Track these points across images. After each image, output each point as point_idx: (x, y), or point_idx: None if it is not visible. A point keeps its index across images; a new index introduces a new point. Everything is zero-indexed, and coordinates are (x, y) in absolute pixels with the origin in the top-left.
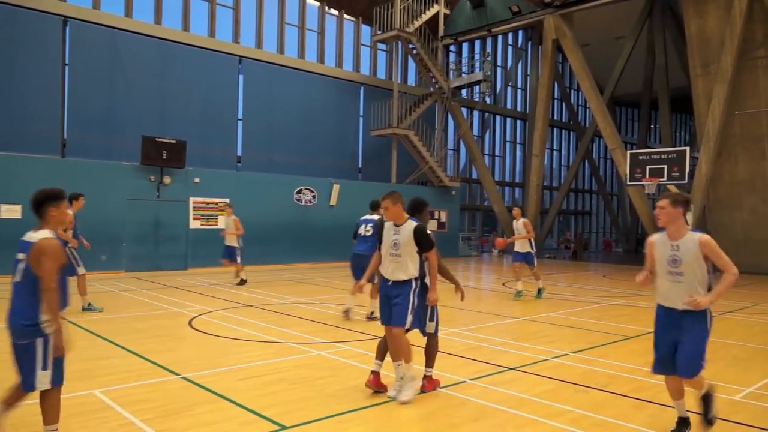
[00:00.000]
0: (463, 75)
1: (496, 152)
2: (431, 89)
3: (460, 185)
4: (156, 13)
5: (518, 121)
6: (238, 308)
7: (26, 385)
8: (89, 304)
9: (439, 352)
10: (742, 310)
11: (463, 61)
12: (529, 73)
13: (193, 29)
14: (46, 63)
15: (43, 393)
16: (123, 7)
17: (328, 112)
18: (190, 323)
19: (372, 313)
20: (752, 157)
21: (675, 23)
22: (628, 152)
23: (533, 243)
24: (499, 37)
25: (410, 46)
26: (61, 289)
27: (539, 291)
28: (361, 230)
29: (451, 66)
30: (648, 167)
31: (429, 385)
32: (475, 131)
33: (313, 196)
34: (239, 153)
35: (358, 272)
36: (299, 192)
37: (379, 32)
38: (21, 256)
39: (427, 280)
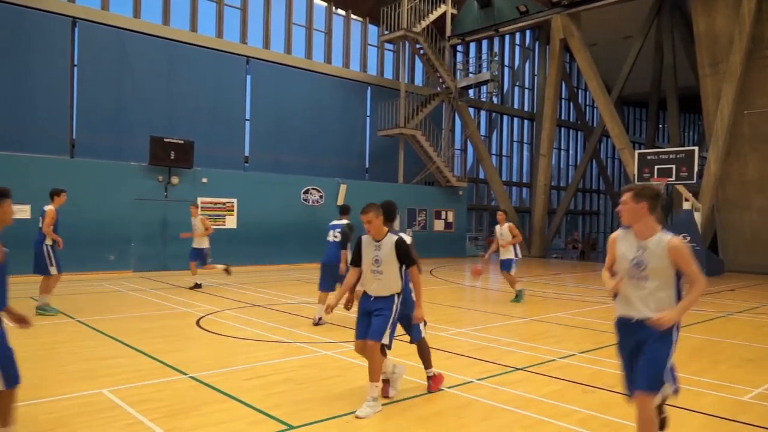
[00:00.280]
0: (471, 75)
1: (504, 152)
2: (438, 89)
3: (467, 185)
4: (164, 14)
5: (525, 121)
6: (245, 308)
7: None
8: (46, 305)
9: (447, 352)
10: (750, 310)
11: (471, 60)
12: (536, 72)
13: (200, 30)
14: (55, 64)
15: None
16: (131, 8)
17: (336, 112)
18: (197, 323)
19: (320, 318)
20: (761, 156)
21: (683, 22)
22: (636, 152)
23: (518, 249)
24: (507, 37)
25: (417, 46)
26: None
27: (518, 294)
28: (329, 236)
29: (459, 66)
30: (656, 167)
31: (435, 384)
32: (483, 131)
33: (321, 196)
34: (247, 153)
35: (324, 281)
36: (306, 192)
37: (386, 32)
38: None
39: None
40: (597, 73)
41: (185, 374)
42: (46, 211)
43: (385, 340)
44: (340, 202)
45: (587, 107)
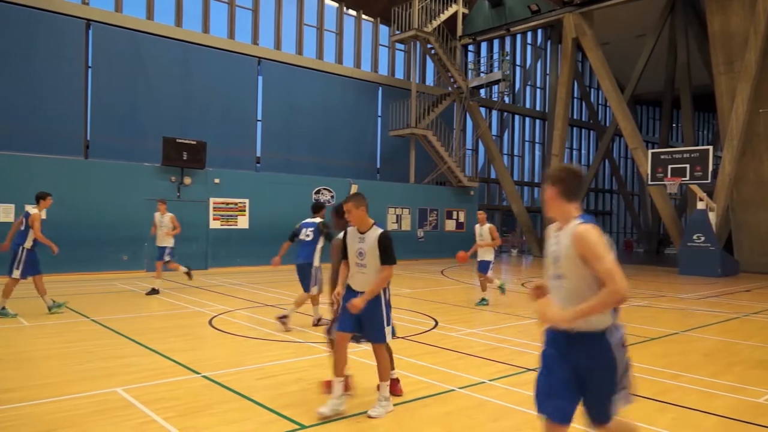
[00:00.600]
0: (482, 74)
1: (515, 152)
2: (449, 89)
3: (478, 185)
4: (177, 16)
5: (537, 121)
6: (257, 308)
7: None
8: (2, 308)
9: (458, 352)
10: (766, 311)
11: (482, 60)
12: (548, 72)
13: (213, 31)
14: (69, 66)
15: None
16: (144, 10)
17: (347, 113)
18: (210, 322)
19: (319, 319)
20: None
21: (697, 20)
22: (650, 151)
23: (495, 252)
24: (518, 36)
25: (428, 46)
26: None
27: (483, 299)
28: (302, 235)
29: (470, 65)
30: (670, 167)
31: (396, 387)
32: (494, 131)
33: (332, 197)
34: (258, 153)
35: (303, 283)
36: (318, 192)
37: (397, 32)
38: None
39: (388, 290)
40: (609, 72)
41: (198, 373)
42: (31, 215)
43: (389, 338)
44: None
45: (600, 106)
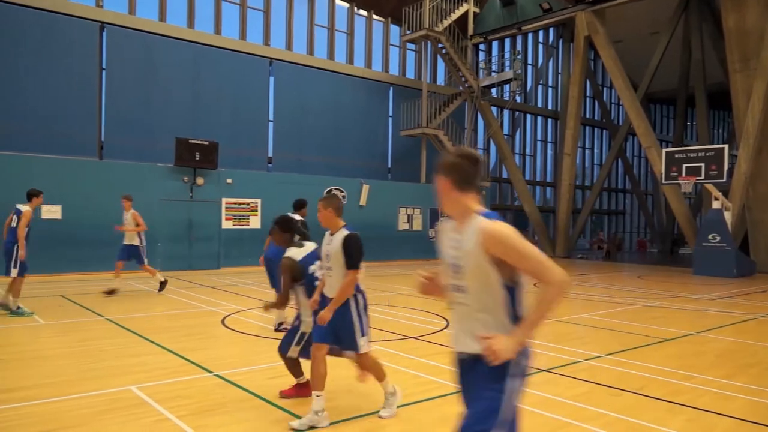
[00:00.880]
0: (493, 74)
1: (527, 151)
2: (461, 88)
3: (490, 185)
4: (189, 17)
5: (549, 120)
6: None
7: None
8: (18, 307)
9: None
10: None
11: (493, 59)
12: (560, 70)
13: (224, 32)
14: (83, 68)
15: None
16: (157, 12)
17: (358, 113)
18: (223, 322)
19: (281, 324)
20: None
21: (712, 17)
22: (664, 150)
23: None
24: (530, 35)
25: (439, 45)
26: None
27: None
28: None
29: (481, 65)
30: (684, 165)
31: (295, 390)
32: (506, 130)
33: (343, 197)
34: (270, 154)
35: (270, 279)
36: (329, 192)
37: (408, 32)
38: None
39: (362, 297)
40: (622, 70)
41: (211, 372)
42: (22, 211)
43: (365, 348)
44: (363, 202)
45: (612, 105)
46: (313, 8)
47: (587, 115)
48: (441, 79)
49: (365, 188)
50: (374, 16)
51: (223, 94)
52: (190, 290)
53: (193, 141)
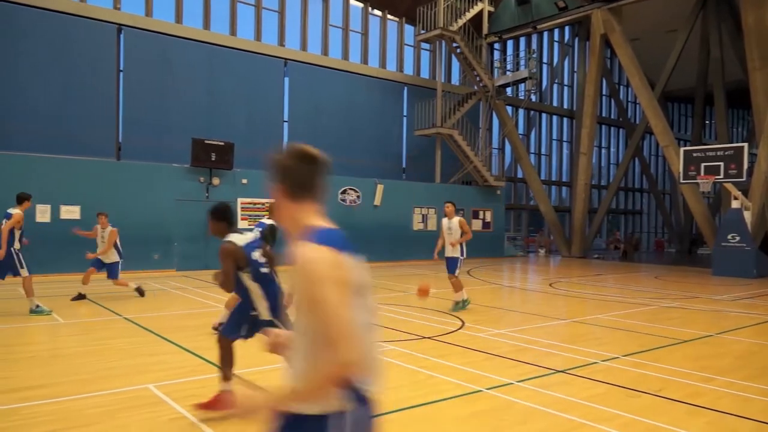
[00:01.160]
0: (508, 73)
1: (543, 151)
2: (475, 88)
3: (505, 184)
4: (204, 19)
5: (565, 119)
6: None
7: None
8: (37, 306)
9: (486, 353)
10: None
11: (508, 58)
12: (575, 69)
13: (240, 33)
14: (101, 69)
15: None
16: (173, 14)
17: (372, 113)
18: None
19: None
20: None
21: (730, 15)
22: (682, 149)
23: (464, 247)
24: (545, 34)
25: (454, 45)
26: None
27: (462, 303)
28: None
29: (496, 64)
30: (703, 164)
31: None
32: (521, 129)
33: (358, 197)
34: None
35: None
36: (344, 192)
37: (422, 32)
38: None
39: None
40: (639, 68)
41: None
42: (12, 214)
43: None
44: (377, 202)
45: (629, 104)
46: (327, 8)
47: (603, 114)
48: (455, 79)
49: (380, 188)
50: (389, 16)
51: (239, 95)
52: (206, 290)
53: (208, 141)
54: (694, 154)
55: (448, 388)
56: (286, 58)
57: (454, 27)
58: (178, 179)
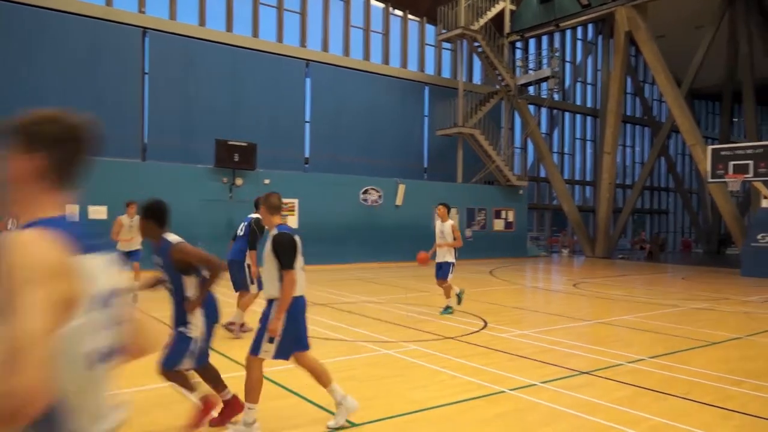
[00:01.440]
0: (530, 72)
1: (566, 150)
2: (497, 87)
3: (527, 184)
4: (227, 21)
5: (588, 118)
6: (308, 306)
7: None
8: None
9: (509, 354)
10: None
11: (530, 57)
12: (599, 67)
13: (262, 35)
14: (127, 72)
15: None
16: (197, 17)
17: (394, 113)
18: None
19: (243, 325)
20: None
21: (759, 9)
22: (709, 147)
23: (456, 251)
24: (568, 32)
25: (475, 44)
26: None
27: (446, 308)
28: (239, 230)
29: (518, 63)
30: (731, 163)
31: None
32: (544, 129)
33: (379, 196)
34: (307, 154)
35: (233, 282)
36: (365, 192)
37: (443, 31)
38: None
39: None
40: (665, 65)
41: None
42: None
43: (263, 354)
44: (399, 202)
45: (654, 101)
46: (348, 9)
47: (628, 113)
48: (477, 78)
49: (401, 188)
50: (409, 16)
51: (261, 96)
52: (230, 289)
53: (232, 142)
54: (722, 153)
55: (471, 388)
56: (307, 59)
57: (476, 26)
58: (202, 180)
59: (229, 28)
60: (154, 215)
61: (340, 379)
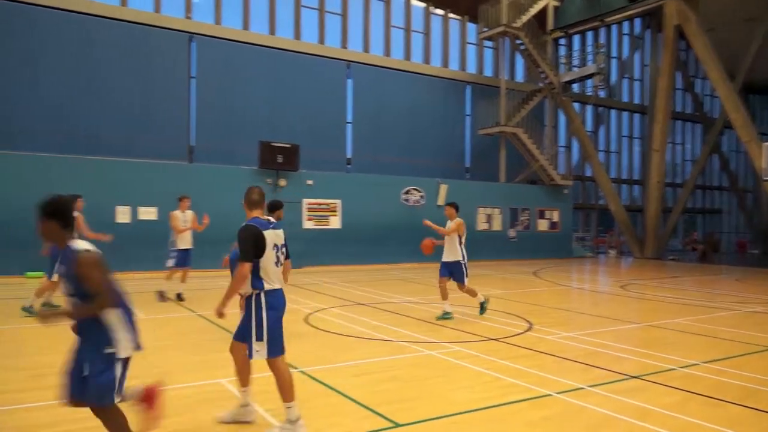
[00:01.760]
0: (575, 68)
1: (612, 148)
2: (540, 85)
3: (572, 183)
4: (270, 24)
5: (636, 115)
6: (350, 306)
7: None
8: (32, 308)
9: (556, 356)
10: None
11: (574, 53)
12: (647, 62)
13: (304, 37)
14: (174, 76)
15: None
16: (241, 21)
17: (435, 112)
18: (306, 320)
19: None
20: None
21: None
22: (765, 144)
23: (464, 251)
24: (613, 27)
25: (518, 41)
26: None
27: (482, 306)
28: None
29: (561, 60)
30: None
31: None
32: (589, 126)
33: (421, 197)
34: (349, 155)
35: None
36: (407, 192)
37: (485, 29)
38: None
39: (263, 295)
40: (717, 59)
41: (295, 368)
42: None
43: (255, 356)
44: (441, 202)
45: (706, 97)
46: (389, 9)
47: (678, 109)
48: (519, 76)
49: (443, 188)
50: (450, 15)
51: (303, 98)
52: None
53: (275, 144)
54: None
55: (516, 390)
56: (349, 60)
57: (518, 23)
58: (247, 181)
59: (271, 31)
60: (57, 214)
61: (383, 379)
